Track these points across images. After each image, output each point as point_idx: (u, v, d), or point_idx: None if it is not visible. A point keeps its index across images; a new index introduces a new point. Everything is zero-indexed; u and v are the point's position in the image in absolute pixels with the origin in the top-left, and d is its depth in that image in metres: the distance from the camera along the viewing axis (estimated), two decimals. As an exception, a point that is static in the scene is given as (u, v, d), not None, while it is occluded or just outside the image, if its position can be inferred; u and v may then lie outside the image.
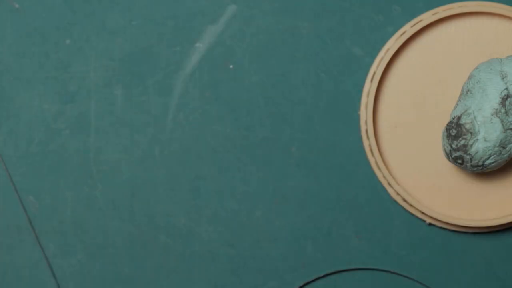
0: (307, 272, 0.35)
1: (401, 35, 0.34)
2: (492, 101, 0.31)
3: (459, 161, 0.32)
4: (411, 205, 0.34)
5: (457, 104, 0.32)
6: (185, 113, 0.35)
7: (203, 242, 0.35)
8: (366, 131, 0.34)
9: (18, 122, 0.35)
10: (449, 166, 0.34)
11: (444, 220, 0.34)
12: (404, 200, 0.34)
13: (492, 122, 0.31)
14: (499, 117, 0.31)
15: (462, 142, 0.31)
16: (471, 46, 0.34)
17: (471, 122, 0.31)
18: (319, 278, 0.35)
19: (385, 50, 0.34)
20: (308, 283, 0.35)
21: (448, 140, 0.32)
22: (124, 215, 0.35)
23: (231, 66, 0.35)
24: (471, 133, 0.31)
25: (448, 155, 0.32)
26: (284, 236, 0.35)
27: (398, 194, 0.34)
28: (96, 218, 0.35)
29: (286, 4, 0.35)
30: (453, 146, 0.31)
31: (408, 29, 0.34)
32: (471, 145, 0.31)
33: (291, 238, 0.35)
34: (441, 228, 0.35)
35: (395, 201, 0.35)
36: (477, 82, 0.31)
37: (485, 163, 0.31)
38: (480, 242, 0.35)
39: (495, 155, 0.31)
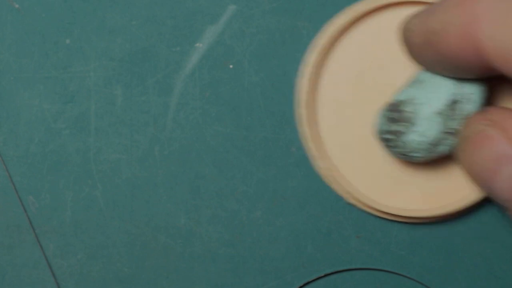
0: (307, 272, 0.35)
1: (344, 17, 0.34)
2: (441, 100, 0.30)
3: (388, 143, 0.31)
4: (336, 180, 0.34)
5: (405, 89, 0.31)
6: (185, 113, 0.35)
7: (203, 242, 0.35)
8: (305, 101, 0.34)
9: (18, 122, 0.35)
10: (380, 150, 0.34)
11: (363, 202, 0.33)
12: (332, 177, 0.34)
13: (433, 121, 0.30)
14: (442, 118, 0.30)
15: (399, 128, 0.31)
16: None
17: (414, 113, 0.30)
18: (319, 278, 0.35)
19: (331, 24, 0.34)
20: (308, 283, 0.35)
21: (385, 120, 0.31)
22: (124, 215, 0.35)
23: (231, 66, 0.35)
24: (411, 123, 0.31)
25: (379, 133, 0.31)
26: (284, 236, 0.35)
27: (326, 169, 0.34)
28: (96, 218, 0.35)
29: (286, 4, 0.35)
30: (388, 128, 0.31)
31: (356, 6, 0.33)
32: (406, 134, 0.31)
33: (291, 238, 0.35)
34: (360, 210, 0.35)
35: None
36: (432, 77, 0.31)
37: (411, 154, 0.31)
38: (480, 242, 0.35)
39: (423, 151, 0.31)
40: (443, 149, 0.31)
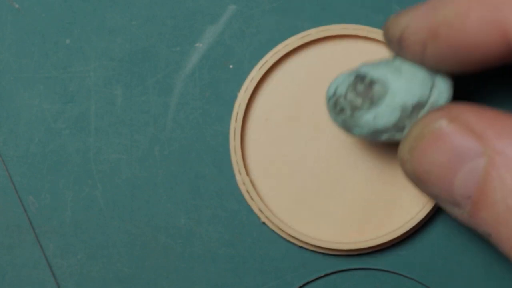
0: (307, 272, 0.35)
1: (285, 46, 0.34)
2: (410, 98, 0.29)
3: (339, 108, 0.30)
4: (252, 198, 0.34)
5: (378, 67, 0.30)
6: (185, 113, 0.35)
7: (203, 242, 0.35)
8: (236, 114, 0.34)
9: (18, 122, 0.35)
10: (301, 176, 0.34)
11: (274, 222, 0.33)
12: (247, 192, 0.34)
13: (394, 111, 0.29)
14: (402, 113, 0.29)
15: (359, 101, 0.29)
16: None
17: (380, 95, 0.29)
18: (319, 278, 0.35)
19: (271, 54, 0.34)
20: (308, 283, 0.35)
21: (350, 88, 0.30)
22: (124, 215, 0.35)
23: (231, 66, 0.35)
24: (372, 102, 0.29)
25: (335, 97, 0.30)
26: (284, 236, 0.35)
27: (243, 183, 0.34)
28: (96, 218, 0.35)
29: (286, 4, 0.35)
30: (348, 97, 0.30)
31: (295, 40, 0.34)
32: (361, 111, 0.29)
33: (291, 238, 0.35)
34: (272, 230, 0.34)
35: (239, 190, 0.34)
36: (411, 69, 0.30)
37: (353, 131, 0.30)
38: (480, 242, 0.35)
39: (366, 132, 0.30)
40: (383, 138, 0.30)
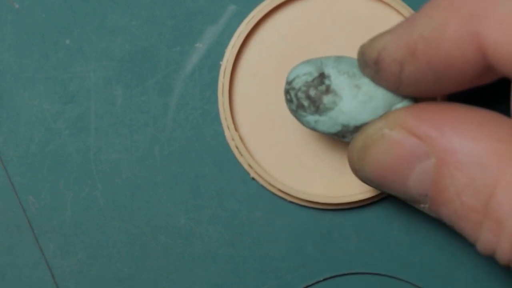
0: (307, 272, 0.35)
1: (272, 1, 0.34)
2: (354, 122, 0.29)
3: (288, 98, 0.30)
4: (241, 154, 0.34)
5: (345, 72, 0.29)
6: (185, 113, 0.35)
7: (203, 242, 0.35)
8: (224, 69, 0.34)
9: (18, 122, 0.35)
10: (291, 132, 0.34)
11: (264, 177, 0.33)
12: (237, 147, 0.34)
13: (334, 125, 0.29)
14: (342, 130, 0.29)
15: (306, 104, 0.29)
16: (335, 24, 0.33)
17: (328, 108, 0.29)
18: (318, 282, 0.35)
19: (259, 9, 0.34)
20: (307, 287, 0.35)
21: (304, 87, 0.29)
22: (124, 215, 0.35)
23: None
24: (317, 110, 0.29)
25: (289, 86, 0.29)
26: (284, 236, 0.35)
27: (233, 139, 0.34)
28: (96, 218, 0.35)
29: None
30: (299, 95, 0.29)
31: None
32: (305, 112, 0.29)
33: (291, 238, 0.35)
34: (261, 186, 0.34)
35: (229, 147, 0.34)
36: (369, 99, 0.29)
37: (297, 119, 0.30)
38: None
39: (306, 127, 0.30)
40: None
